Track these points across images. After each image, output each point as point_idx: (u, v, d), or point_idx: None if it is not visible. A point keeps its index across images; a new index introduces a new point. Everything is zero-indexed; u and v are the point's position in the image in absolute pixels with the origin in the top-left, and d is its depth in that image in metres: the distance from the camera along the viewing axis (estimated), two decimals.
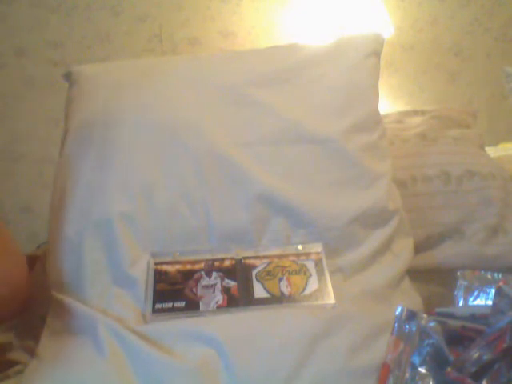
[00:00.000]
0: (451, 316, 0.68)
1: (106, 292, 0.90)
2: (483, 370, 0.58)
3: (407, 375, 0.58)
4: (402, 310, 0.64)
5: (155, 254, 0.93)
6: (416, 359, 0.58)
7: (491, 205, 1.15)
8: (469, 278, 0.80)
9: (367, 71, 1.12)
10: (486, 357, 0.58)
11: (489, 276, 0.79)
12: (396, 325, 0.64)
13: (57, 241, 0.98)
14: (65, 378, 0.80)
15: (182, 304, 0.87)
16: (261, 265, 0.92)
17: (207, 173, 0.99)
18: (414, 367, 0.58)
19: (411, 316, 0.63)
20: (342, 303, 0.87)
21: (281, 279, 0.90)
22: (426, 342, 0.59)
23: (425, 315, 0.62)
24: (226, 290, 0.89)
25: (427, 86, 2.21)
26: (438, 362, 0.57)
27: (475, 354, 0.58)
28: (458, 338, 0.64)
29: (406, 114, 1.49)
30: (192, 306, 0.87)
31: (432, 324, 0.60)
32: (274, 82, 1.10)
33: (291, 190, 0.98)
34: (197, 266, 0.92)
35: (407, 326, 0.62)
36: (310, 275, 0.91)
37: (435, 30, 2.19)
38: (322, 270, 0.91)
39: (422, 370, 0.57)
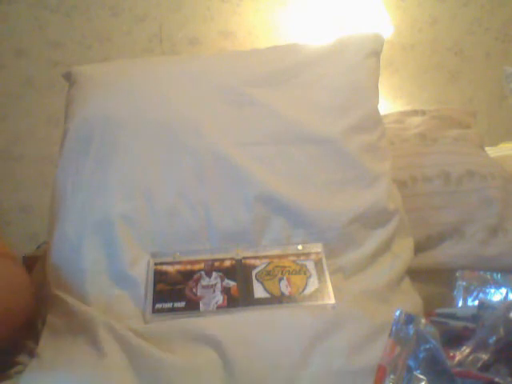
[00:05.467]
0: (452, 317, 0.68)
1: (106, 292, 0.90)
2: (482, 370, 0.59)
3: (403, 379, 0.58)
4: (401, 314, 0.64)
5: (155, 254, 0.93)
6: (412, 363, 0.58)
7: (491, 205, 1.15)
8: (468, 278, 0.80)
9: (367, 71, 1.12)
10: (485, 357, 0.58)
11: (488, 276, 0.79)
12: (394, 328, 0.63)
13: (57, 241, 0.98)
14: (64, 377, 0.80)
15: (182, 304, 0.87)
16: (261, 265, 0.92)
17: (207, 173, 0.99)
18: (410, 371, 0.58)
19: (409, 320, 0.63)
20: (341, 303, 0.87)
21: (281, 279, 0.90)
22: (423, 346, 0.59)
23: (423, 319, 0.62)
24: (226, 290, 0.89)
25: (427, 86, 2.21)
26: (434, 367, 0.57)
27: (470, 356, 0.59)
28: (459, 339, 0.64)
29: (406, 113, 1.49)
30: (192, 306, 0.87)
31: (430, 329, 0.60)
32: (274, 81, 1.10)
33: (291, 190, 0.98)
34: (197, 266, 0.92)
35: (405, 330, 0.62)
36: (310, 275, 0.91)
37: (435, 30, 2.19)
38: (321, 270, 0.91)
39: (418, 373, 0.57)
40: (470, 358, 0.59)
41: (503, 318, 0.61)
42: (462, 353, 0.60)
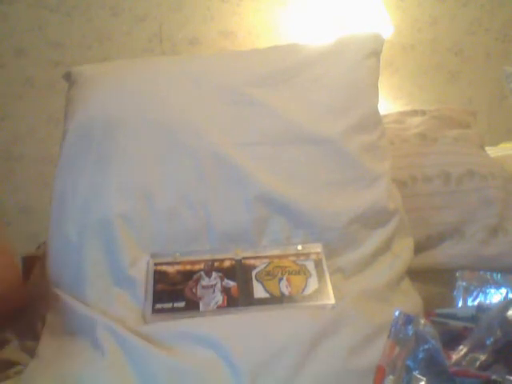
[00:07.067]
0: (452, 317, 0.68)
1: (106, 292, 0.90)
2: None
3: (402, 379, 0.58)
4: (400, 314, 0.64)
5: (155, 254, 0.93)
6: (411, 363, 0.58)
7: (491, 205, 1.15)
8: (468, 278, 0.80)
9: (367, 71, 1.12)
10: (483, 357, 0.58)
11: (488, 276, 0.79)
12: (393, 328, 0.63)
13: (57, 241, 0.98)
14: (64, 377, 0.80)
15: (181, 304, 0.87)
16: (261, 265, 0.92)
17: (207, 173, 0.99)
18: (409, 371, 0.58)
19: (408, 320, 0.63)
20: (341, 303, 0.87)
21: (281, 279, 0.90)
22: (422, 346, 0.59)
23: (422, 320, 0.62)
24: (225, 290, 0.89)
25: (427, 86, 2.21)
26: (433, 367, 0.58)
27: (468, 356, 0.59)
28: (459, 339, 0.64)
29: (406, 114, 1.49)
30: (192, 306, 0.87)
31: (429, 329, 0.60)
32: (274, 81, 1.10)
33: (291, 190, 0.98)
34: (196, 267, 0.92)
35: (404, 330, 0.62)
36: (310, 275, 0.91)
37: (435, 30, 2.19)
38: (321, 270, 0.91)
39: (417, 374, 0.58)
40: (468, 358, 0.59)
41: (499, 318, 0.62)
42: (458, 353, 0.60)
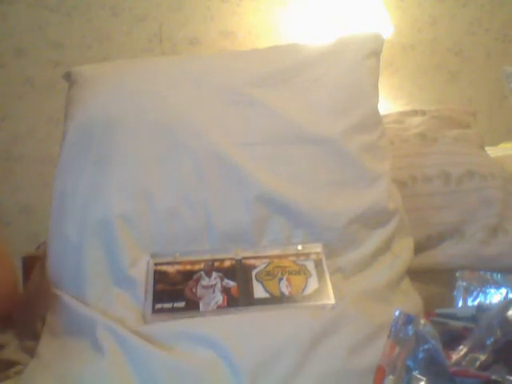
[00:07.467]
0: (452, 317, 0.68)
1: (106, 292, 0.90)
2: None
3: (402, 379, 0.58)
4: (400, 314, 0.64)
5: (155, 254, 0.93)
6: (411, 363, 0.58)
7: (491, 205, 1.15)
8: (468, 278, 0.80)
9: (367, 71, 1.12)
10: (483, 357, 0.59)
11: (488, 276, 0.79)
12: (393, 328, 0.63)
13: (57, 241, 0.98)
14: (64, 377, 0.80)
15: (181, 304, 0.87)
16: (261, 265, 0.92)
17: (207, 173, 0.99)
18: (409, 371, 0.58)
19: (408, 320, 0.63)
20: (341, 303, 0.87)
21: (281, 279, 0.90)
22: (422, 346, 0.59)
23: (422, 320, 0.62)
24: (225, 290, 0.89)
25: (427, 86, 2.21)
26: (433, 367, 0.58)
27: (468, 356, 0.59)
28: (459, 339, 0.64)
29: (406, 114, 1.49)
30: (192, 306, 0.87)
31: (429, 329, 0.60)
32: (274, 81, 1.10)
33: (291, 190, 0.98)
34: (197, 267, 0.92)
35: (404, 330, 0.62)
36: (310, 275, 0.91)
37: (435, 30, 2.19)
38: (321, 270, 0.91)
39: (417, 374, 0.58)
40: (468, 358, 0.59)
41: (499, 318, 0.62)
42: (458, 353, 0.60)
